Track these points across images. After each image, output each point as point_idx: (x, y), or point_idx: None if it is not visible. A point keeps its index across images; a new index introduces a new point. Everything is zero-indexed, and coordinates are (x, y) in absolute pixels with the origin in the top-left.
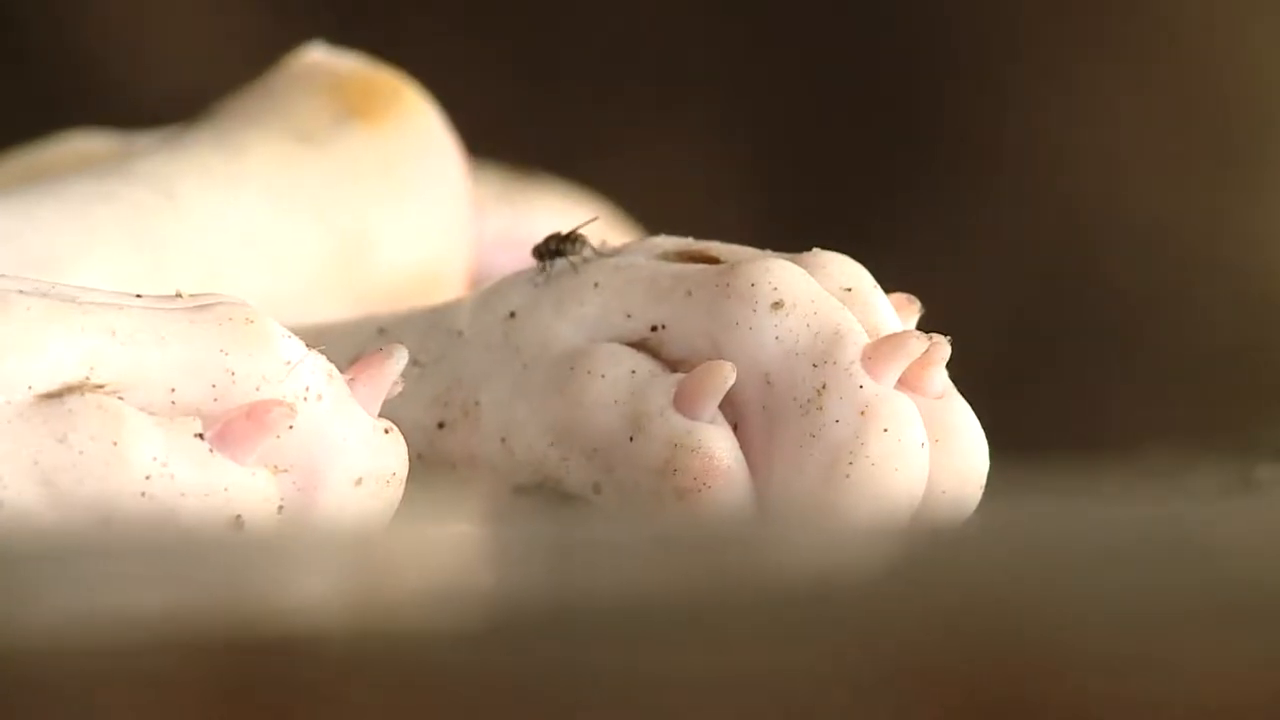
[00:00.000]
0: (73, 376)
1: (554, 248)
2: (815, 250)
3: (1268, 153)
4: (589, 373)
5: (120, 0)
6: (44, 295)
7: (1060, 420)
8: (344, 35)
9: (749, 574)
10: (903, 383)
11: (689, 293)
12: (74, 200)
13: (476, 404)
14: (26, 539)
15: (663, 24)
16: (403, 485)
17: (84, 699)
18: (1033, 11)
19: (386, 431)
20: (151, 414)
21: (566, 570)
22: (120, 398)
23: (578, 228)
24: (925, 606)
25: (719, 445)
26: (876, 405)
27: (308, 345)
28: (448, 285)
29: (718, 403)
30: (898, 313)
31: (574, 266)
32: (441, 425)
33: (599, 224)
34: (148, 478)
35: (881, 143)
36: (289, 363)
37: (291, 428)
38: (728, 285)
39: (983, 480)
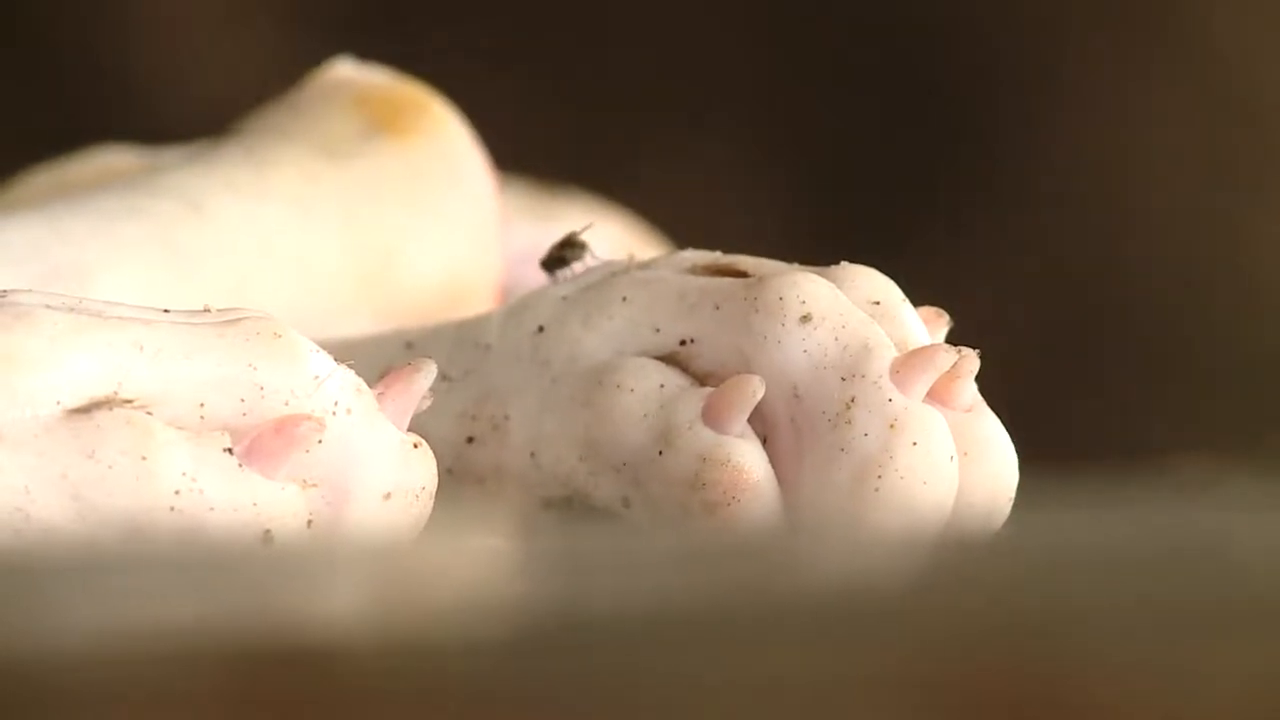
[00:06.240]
0: (101, 391)
1: (557, 255)
2: (843, 264)
3: None
4: (618, 386)
5: (149, 16)
6: (71, 310)
7: (1090, 433)
8: (371, 50)
9: (778, 587)
10: (932, 396)
11: (717, 306)
12: (101, 214)
13: (505, 418)
14: (55, 552)
15: (693, 37)
16: (431, 499)
17: (111, 712)
18: (1069, 28)
19: (415, 446)
20: (180, 429)
21: (595, 584)
22: (149, 413)
23: (578, 233)
24: (954, 619)
25: (748, 459)
26: (905, 419)
27: (336, 360)
28: (475, 299)
29: (746, 416)
30: (926, 326)
31: (569, 264)
32: (470, 439)
33: (625, 237)
34: (176, 492)
35: (911, 157)
36: (317, 377)
37: (320, 442)
38: (755, 299)
39: (1012, 493)
